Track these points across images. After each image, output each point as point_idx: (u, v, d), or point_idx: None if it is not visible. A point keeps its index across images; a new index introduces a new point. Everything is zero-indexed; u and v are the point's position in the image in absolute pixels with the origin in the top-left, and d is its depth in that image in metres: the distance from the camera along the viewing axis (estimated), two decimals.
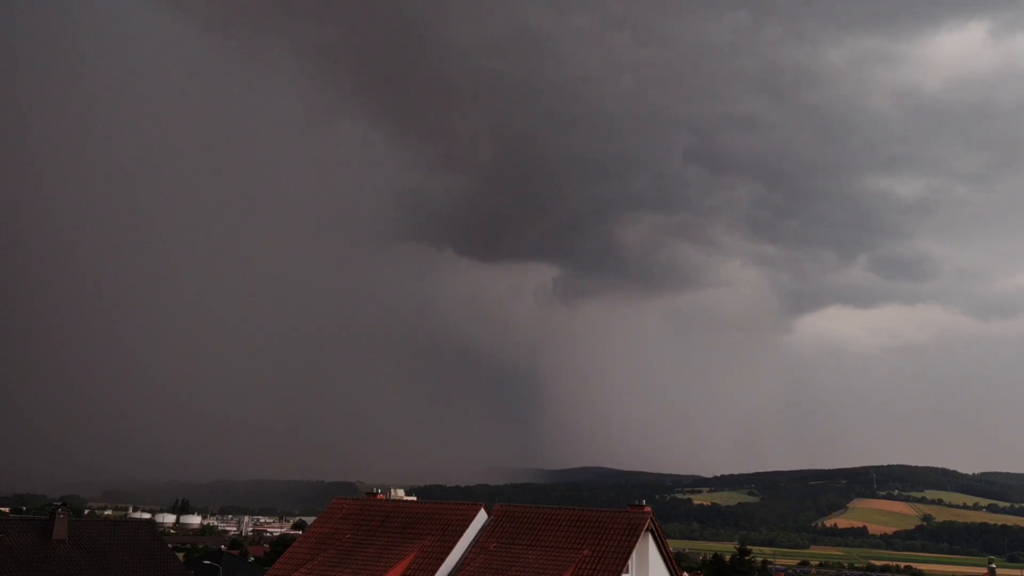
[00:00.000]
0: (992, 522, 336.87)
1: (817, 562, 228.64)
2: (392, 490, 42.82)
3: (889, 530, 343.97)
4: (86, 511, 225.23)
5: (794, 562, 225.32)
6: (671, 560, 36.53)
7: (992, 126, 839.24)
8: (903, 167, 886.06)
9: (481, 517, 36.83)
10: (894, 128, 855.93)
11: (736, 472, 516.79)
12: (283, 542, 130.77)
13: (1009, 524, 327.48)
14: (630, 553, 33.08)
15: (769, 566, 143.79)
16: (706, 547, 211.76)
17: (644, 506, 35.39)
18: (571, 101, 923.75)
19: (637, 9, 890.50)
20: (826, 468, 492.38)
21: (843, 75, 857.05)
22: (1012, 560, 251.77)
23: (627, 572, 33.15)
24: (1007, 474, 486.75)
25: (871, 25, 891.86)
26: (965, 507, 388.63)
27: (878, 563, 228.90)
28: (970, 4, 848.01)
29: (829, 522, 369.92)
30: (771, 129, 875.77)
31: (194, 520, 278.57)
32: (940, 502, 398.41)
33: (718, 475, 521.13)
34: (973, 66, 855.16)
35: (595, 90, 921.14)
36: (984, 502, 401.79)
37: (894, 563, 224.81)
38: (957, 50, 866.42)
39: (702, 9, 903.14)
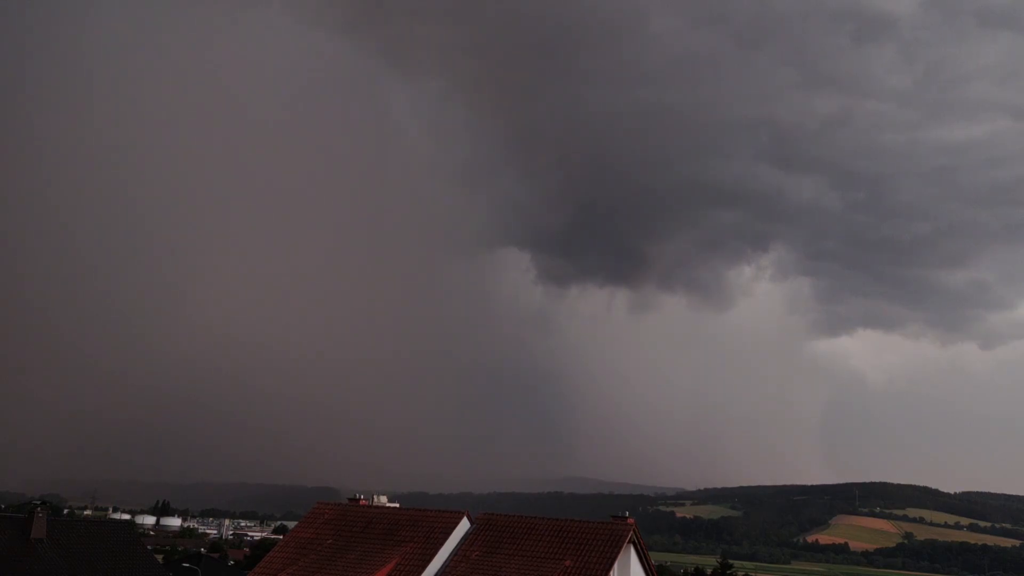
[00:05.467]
0: (973, 541, 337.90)
1: None
2: (375, 496, 42.50)
3: (870, 547, 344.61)
4: (65, 511, 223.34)
5: None
6: (652, 573, 36.47)
7: None
8: None
9: (464, 525, 36.67)
10: None
11: (719, 486, 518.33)
12: (263, 546, 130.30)
13: (989, 543, 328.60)
14: (612, 564, 33.00)
15: None
16: (688, 560, 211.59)
17: (627, 517, 35.33)
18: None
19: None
20: (809, 484, 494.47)
21: None
22: None
23: None
24: (989, 494, 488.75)
25: None
26: (946, 526, 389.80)
27: None
28: None
29: (811, 538, 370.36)
30: None
31: (174, 522, 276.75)
32: (922, 520, 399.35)
33: (701, 488, 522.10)
34: None
35: None
36: (965, 521, 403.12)
37: None
38: None
39: None
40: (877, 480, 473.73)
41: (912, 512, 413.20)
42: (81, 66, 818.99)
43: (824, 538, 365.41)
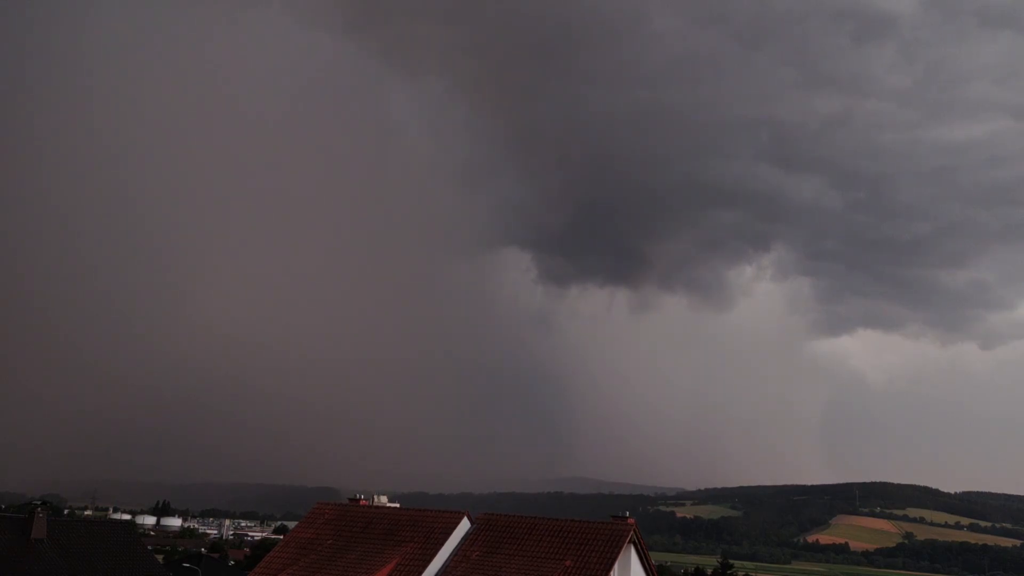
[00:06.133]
0: (973, 541, 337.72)
1: None
2: (375, 496, 42.50)
3: (871, 547, 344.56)
4: (65, 511, 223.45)
5: None
6: (653, 573, 36.46)
7: None
8: None
9: (464, 525, 36.66)
10: None
11: (719, 486, 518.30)
12: (264, 546, 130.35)
13: (989, 543, 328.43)
14: (612, 564, 32.98)
15: None
16: (688, 560, 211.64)
17: (627, 517, 35.32)
18: None
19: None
20: (809, 484, 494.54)
21: None
22: None
23: None
24: (989, 493, 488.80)
25: None
26: (947, 525, 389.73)
27: None
28: None
29: (811, 538, 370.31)
30: None
31: (175, 522, 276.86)
32: (922, 520, 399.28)
33: (702, 488, 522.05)
34: None
35: None
36: (965, 521, 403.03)
37: None
38: None
39: None
40: (877, 480, 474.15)
41: (912, 512, 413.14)
42: (81, 66, 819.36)
43: (824, 538, 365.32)
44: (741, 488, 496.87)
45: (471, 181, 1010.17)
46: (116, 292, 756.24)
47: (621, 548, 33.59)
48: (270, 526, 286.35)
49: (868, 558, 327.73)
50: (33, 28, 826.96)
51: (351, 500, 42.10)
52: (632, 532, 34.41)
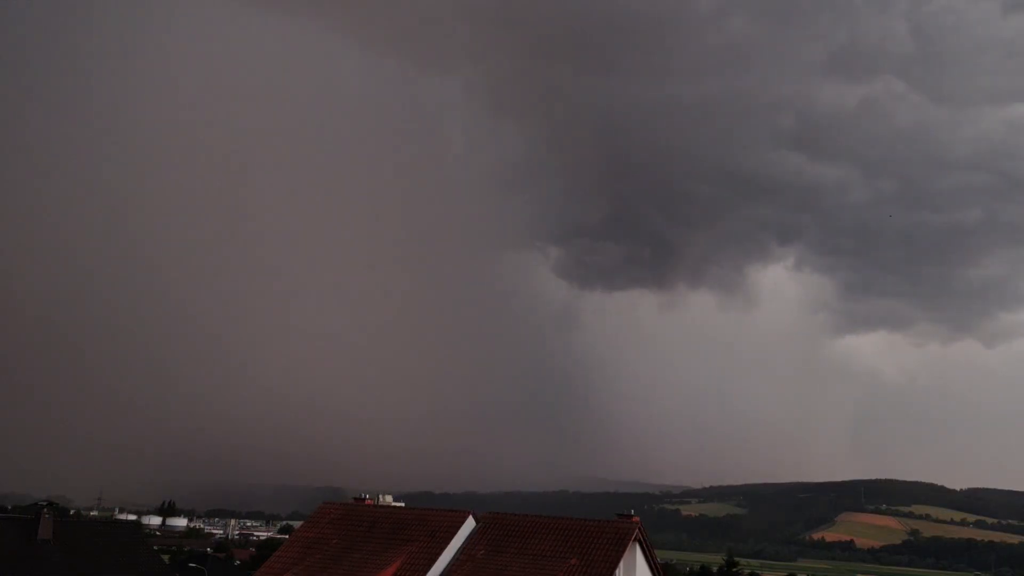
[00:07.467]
0: (979, 538, 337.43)
1: (804, 575, 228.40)
2: (380, 495, 42.57)
3: (876, 544, 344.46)
4: (72, 511, 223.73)
5: (781, 575, 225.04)
6: (658, 571, 36.48)
7: None
8: None
9: (469, 524, 36.72)
10: None
11: (725, 484, 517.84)
12: (269, 546, 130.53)
13: (995, 540, 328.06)
14: (618, 563, 33.01)
15: None
16: (694, 558, 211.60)
17: (632, 516, 35.34)
18: None
19: None
20: (814, 481, 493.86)
21: None
22: None
23: None
24: (995, 490, 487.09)
25: None
26: (952, 522, 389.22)
27: None
28: None
29: (816, 535, 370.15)
30: None
31: (180, 522, 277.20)
32: (927, 517, 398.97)
33: (707, 486, 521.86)
34: None
35: None
36: (971, 518, 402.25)
37: None
38: None
39: None
40: (882, 477, 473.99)
41: (918, 509, 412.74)
42: (81, 66, 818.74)
43: (830, 535, 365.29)
44: (746, 486, 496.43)
45: (496, 180, 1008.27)
46: (118, 293, 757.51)
47: (626, 546, 33.61)
48: (275, 526, 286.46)
49: (874, 555, 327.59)
50: (33, 28, 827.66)
51: (356, 499, 42.17)
52: (637, 530, 34.44)
